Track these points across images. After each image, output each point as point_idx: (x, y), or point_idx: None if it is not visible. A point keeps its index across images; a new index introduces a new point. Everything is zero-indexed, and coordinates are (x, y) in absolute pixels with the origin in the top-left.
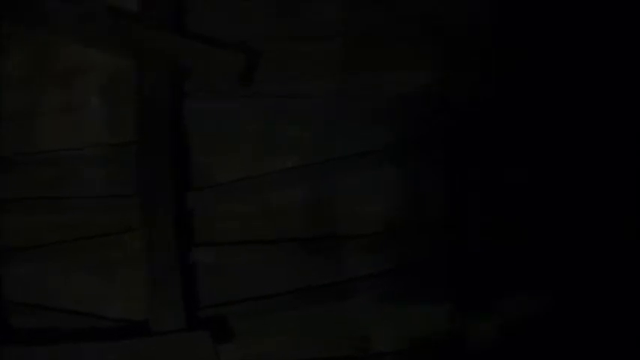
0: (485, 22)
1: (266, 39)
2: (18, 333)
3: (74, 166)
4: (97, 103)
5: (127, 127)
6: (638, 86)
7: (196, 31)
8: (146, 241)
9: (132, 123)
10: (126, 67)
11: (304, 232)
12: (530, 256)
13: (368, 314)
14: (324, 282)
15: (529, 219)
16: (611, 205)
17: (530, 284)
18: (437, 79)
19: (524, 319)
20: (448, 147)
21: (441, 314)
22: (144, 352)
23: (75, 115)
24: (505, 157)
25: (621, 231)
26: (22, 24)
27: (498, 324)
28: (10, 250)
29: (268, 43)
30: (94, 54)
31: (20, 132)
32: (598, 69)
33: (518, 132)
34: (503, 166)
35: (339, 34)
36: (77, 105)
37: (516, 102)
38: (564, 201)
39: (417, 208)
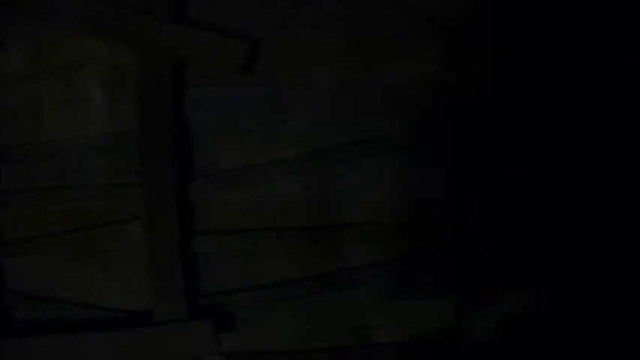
0: (485, 14)
1: (266, 29)
2: (19, 325)
3: (74, 157)
4: (98, 92)
5: (127, 116)
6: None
7: (197, 19)
8: (147, 230)
9: (132, 112)
10: (126, 56)
11: (305, 221)
12: (531, 251)
13: (369, 304)
14: (325, 271)
15: (530, 214)
16: (612, 201)
17: (531, 280)
18: (437, 70)
19: (525, 315)
20: (448, 139)
21: (442, 307)
22: (145, 342)
23: (75, 105)
24: (505, 150)
25: (622, 228)
26: (21, 15)
27: (499, 319)
28: (11, 242)
29: (269, 32)
30: (94, 44)
31: (20, 124)
32: (600, 65)
33: (518, 125)
34: (504, 160)
35: (338, 24)
36: (78, 95)
37: (516, 94)
38: (565, 196)
39: (418, 199)
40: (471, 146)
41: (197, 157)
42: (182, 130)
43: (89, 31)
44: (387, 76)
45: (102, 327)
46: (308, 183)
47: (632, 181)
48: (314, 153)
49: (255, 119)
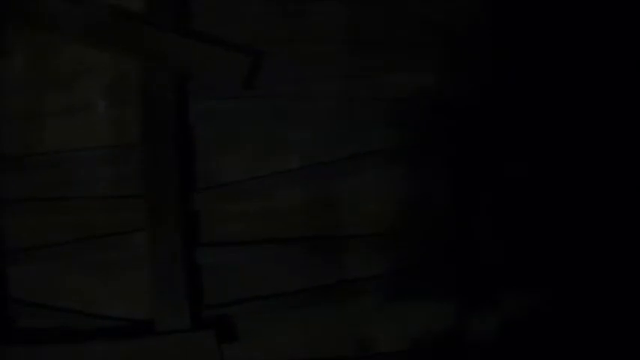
0: (484, 21)
1: (269, 40)
2: (24, 332)
3: (78, 167)
4: (101, 103)
5: (130, 127)
6: (638, 80)
7: (200, 31)
8: (151, 241)
9: (136, 123)
10: (129, 67)
11: (307, 232)
12: (530, 253)
13: (370, 314)
14: (328, 282)
15: (530, 217)
16: (612, 201)
17: (530, 281)
18: (437, 79)
19: (525, 316)
20: (449, 146)
21: (444, 313)
22: (148, 352)
23: (79, 115)
24: (505, 154)
25: (622, 227)
26: (25, 25)
27: (499, 320)
28: (16, 251)
29: (271, 44)
30: (98, 55)
31: (24, 133)
32: (597, 65)
33: (518, 130)
34: (504, 164)
35: (340, 36)
36: (81, 106)
37: (516, 100)
38: (565, 198)
39: (419, 207)
40: (471, 154)
41: (200, 168)
42: (185, 141)
43: (92, 41)
44: (387, 87)
45: (105, 336)
46: (309, 194)
47: (631, 182)
48: (315, 164)
49: (257, 131)
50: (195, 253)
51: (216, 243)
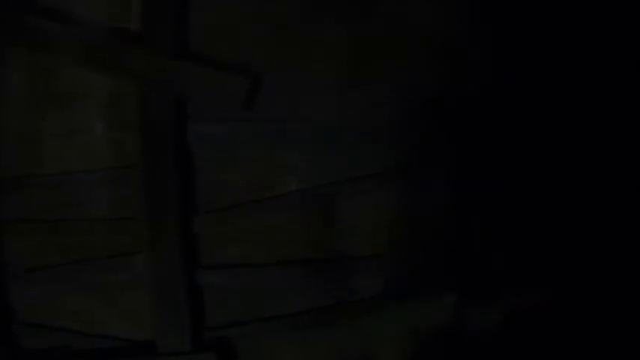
0: (481, 28)
1: (267, 62)
2: (25, 353)
3: (78, 189)
4: (99, 125)
5: (129, 149)
6: (638, 80)
7: (199, 52)
8: (151, 262)
9: (135, 146)
10: (128, 89)
11: (307, 253)
12: (530, 253)
13: (372, 334)
14: (328, 303)
15: (530, 217)
16: (612, 201)
17: (530, 281)
18: (438, 84)
19: (525, 316)
20: (449, 146)
21: (444, 314)
22: None
23: (77, 137)
24: (506, 155)
25: (622, 228)
26: (22, 47)
27: (499, 321)
28: (16, 272)
29: (269, 65)
30: (96, 77)
31: (23, 154)
32: (598, 64)
33: (518, 130)
34: (504, 165)
35: (337, 55)
36: (79, 128)
37: (516, 100)
38: (565, 198)
39: (420, 215)
40: (472, 152)
41: (199, 190)
42: (184, 163)
43: (89, 63)
44: (385, 105)
45: (105, 357)
46: (309, 216)
47: (631, 182)
48: (314, 186)
49: (256, 153)
50: (195, 275)
51: (216, 265)
